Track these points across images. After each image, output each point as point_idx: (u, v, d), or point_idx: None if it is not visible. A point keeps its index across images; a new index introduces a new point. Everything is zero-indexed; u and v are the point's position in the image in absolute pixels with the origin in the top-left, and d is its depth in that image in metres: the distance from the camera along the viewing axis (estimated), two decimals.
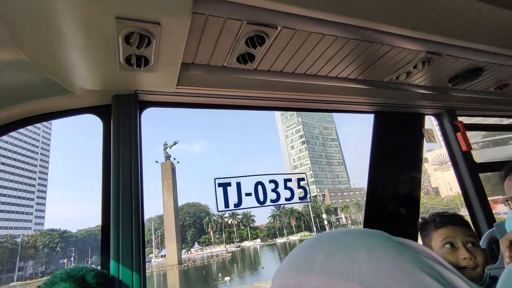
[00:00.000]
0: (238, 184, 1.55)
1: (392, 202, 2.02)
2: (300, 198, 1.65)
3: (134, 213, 1.24)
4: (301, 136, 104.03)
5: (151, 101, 1.48)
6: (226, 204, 1.50)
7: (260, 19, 1.12)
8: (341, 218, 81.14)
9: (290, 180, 1.65)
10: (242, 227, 79.26)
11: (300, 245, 0.37)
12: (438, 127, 2.39)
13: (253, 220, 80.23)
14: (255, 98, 1.63)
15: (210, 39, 1.20)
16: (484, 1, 1.25)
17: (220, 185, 1.51)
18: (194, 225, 78.77)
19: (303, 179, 1.69)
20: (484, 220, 2.03)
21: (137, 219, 1.25)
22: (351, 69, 1.61)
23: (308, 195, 1.67)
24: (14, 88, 1.24)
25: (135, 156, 1.33)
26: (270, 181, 1.61)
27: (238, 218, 78.25)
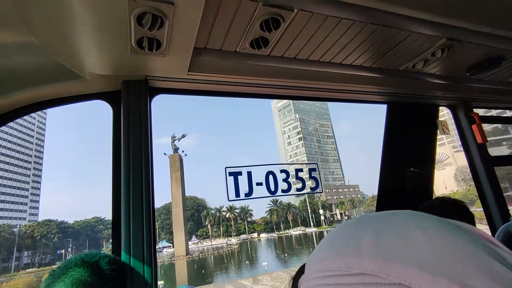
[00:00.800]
0: (249, 174, 1.52)
1: (404, 194, 1.98)
2: (311, 189, 1.62)
3: (144, 200, 1.23)
4: (298, 132, 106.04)
5: (162, 87, 1.45)
6: (237, 194, 1.48)
7: (276, 1, 1.07)
8: (335, 214, 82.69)
9: (301, 170, 1.62)
10: (239, 221, 79.84)
11: (338, 228, 0.34)
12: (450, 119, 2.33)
13: (251, 215, 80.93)
14: (266, 86, 1.59)
15: (224, 22, 1.16)
16: None
17: (230, 174, 1.48)
18: (192, 218, 79.88)
19: (314, 170, 1.66)
20: (498, 214, 1.98)
21: (147, 207, 1.23)
22: (367, 56, 1.56)
23: (320, 186, 1.64)
24: (23, 72, 1.22)
25: (145, 143, 1.30)
26: (281, 171, 1.58)
27: (236, 212, 78.91)
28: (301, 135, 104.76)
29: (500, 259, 0.25)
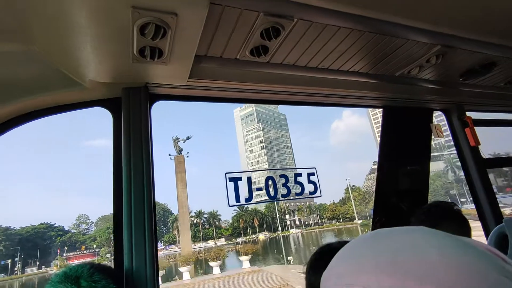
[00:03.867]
0: (249, 179, 1.54)
1: (400, 197, 2.02)
2: (310, 193, 1.64)
3: (146, 206, 1.23)
4: (261, 141, 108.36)
5: (162, 94, 1.46)
6: (237, 199, 1.49)
7: (277, 10, 1.09)
8: (294, 219, 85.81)
9: (300, 175, 1.64)
10: (207, 227, 79.78)
11: (356, 242, 0.35)
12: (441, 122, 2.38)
13: (219, 220, 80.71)
14: (266, 92, 1.61)
15: (225, 31, 1.18)
16: None
17: (230, 179, 1.50)
18: (157, 223, 78.81)
19: (313, 174, 1.68)
20: (491, 216, 2.03)
21: (149, 214, 1.23)
22: (364, 62, 1.59)
23: (318, 190, 1.66)
24: (24, 80, 1.21)
25: (146, 149, 1.31)
26: (281, 176, 1.60)
27: (204, 217, 78.87)
28: (263, 144, 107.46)
29: (509, 275, 0.27)
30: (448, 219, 1.27)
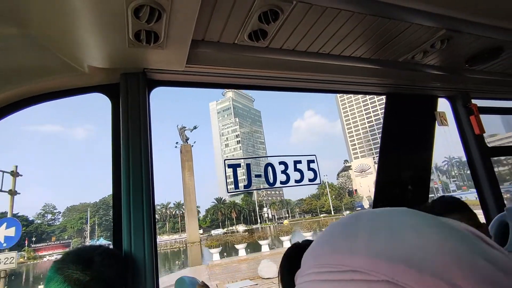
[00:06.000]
0: (248, 166, 1.54)
1: (401, 184, 2.01)
2: (309, 180, 1.64)
3: (145, 193, 1.24)
4: (237, 135, 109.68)
5: (160, 80, 1.45)
6: (236, 185, 1.49)
7: None
8: (267, 213, 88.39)
9: (300, 162, 1.63)
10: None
11: (336, 224, 0.34)
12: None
13: (199, 212, 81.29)
14: (265, 78, 1.59)
15: (222, 14, 1.15)
16: None
17: (230, 166, 1.50)
18: None
19: (313, 161, 1.67)
20: (494, 204, 2.01)
21: (148, 200, 1.24)
22: (366, 47, 1.55)
23: (318, 177, 1.66)
24: (21, 65, 1.21)
25: (144, 136, 1.31)
26: (280, 163, 1.59)
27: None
28: (239, 139, 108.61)
29: (488, 258, 0.26)
30: (453, 212, 1.25)
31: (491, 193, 2.04)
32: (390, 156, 2.07)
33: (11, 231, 8.52)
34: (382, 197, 2.00)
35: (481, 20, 1.39)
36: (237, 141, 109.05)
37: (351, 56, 1.62)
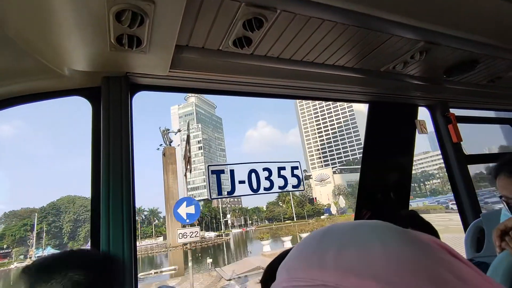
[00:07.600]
0: (232, 172, 1.53)
1: (383, 191, 2.05)
2: (293, 186, 1.65)
3: (125, 198, 1.22)
4: (199, 141, 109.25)
5: (143, 84, 1.43)
6: (219, 192, 1.49)
7: (259, 1, 1.07)
8: (228, 219, 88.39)
9: (284, 168, 1.64)
10: (145, 225, 78.55)
11: (308, 237, 0.35)
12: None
13: (160, 218, 78.97)
14: (250, 84, 1.59)
15: (206, 21, 1.15)
16: None
17: (213, 172, 1.49)
18: (82, 221, 76.39)
19: (296, 168, 1.68)
20: (470, 210, 2.08)
21: (128, 205, 1.22)
22: (349, 57, 1.58)
23: (302, 184, 1.67)
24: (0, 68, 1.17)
25: (125, 140, 1.29)
26: (264, 169, 1.60)
27: (144, 214, 77.75)
28: (201, 145, 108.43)
29: (450, 269, 0.27)
30: (413, 227, 1.31)
31: (468, 199, 2.10)
32: (372, 162, 2.11)
33: None
34: (365, 203, 2.03)
35: (458, 34, 1.45)
36: (199, 147, 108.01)
37: (335, 64, 1.65)
